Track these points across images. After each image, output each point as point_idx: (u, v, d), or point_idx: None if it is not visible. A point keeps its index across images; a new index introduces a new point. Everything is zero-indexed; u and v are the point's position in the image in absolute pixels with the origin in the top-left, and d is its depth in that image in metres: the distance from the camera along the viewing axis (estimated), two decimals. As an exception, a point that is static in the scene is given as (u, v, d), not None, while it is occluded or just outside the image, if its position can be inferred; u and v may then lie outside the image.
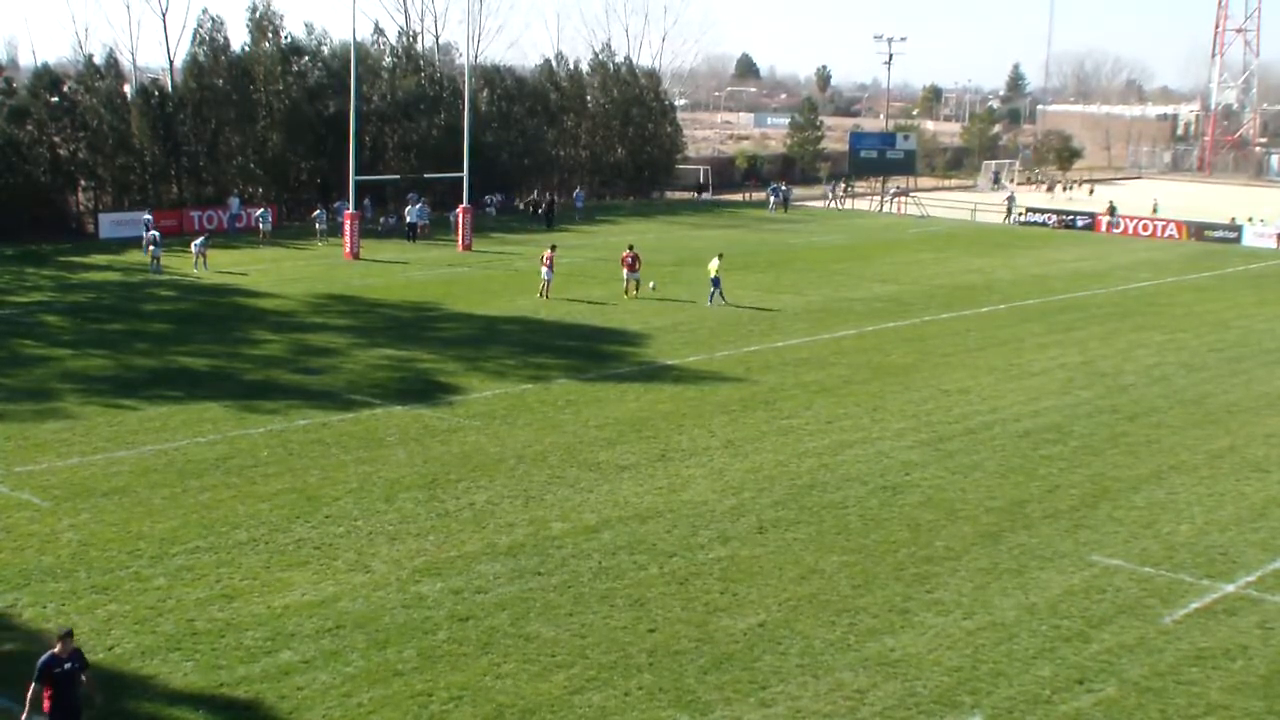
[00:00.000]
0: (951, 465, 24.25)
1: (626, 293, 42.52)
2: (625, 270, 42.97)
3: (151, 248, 46.52)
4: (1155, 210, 76.32)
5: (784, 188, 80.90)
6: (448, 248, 55.04)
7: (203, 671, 15.12)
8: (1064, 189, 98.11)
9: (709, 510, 21.32)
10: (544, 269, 42.18)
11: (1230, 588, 18.59)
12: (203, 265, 46.61)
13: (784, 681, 15.29)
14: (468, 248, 54.49)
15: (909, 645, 16.35)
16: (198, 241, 47.70)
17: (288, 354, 32.99)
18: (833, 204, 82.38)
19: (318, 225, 56.41)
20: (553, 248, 43.81)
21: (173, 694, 14.58)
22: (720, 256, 42.35)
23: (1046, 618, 17.34)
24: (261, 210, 57.54)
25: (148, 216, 54.07)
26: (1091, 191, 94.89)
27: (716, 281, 41.23)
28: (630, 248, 44.15)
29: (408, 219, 58.00)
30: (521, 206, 70.24)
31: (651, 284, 42.90)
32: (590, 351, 34.10)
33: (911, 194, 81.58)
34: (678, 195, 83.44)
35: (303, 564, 18.48)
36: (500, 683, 15.08)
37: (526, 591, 17.71)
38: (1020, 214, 74.24)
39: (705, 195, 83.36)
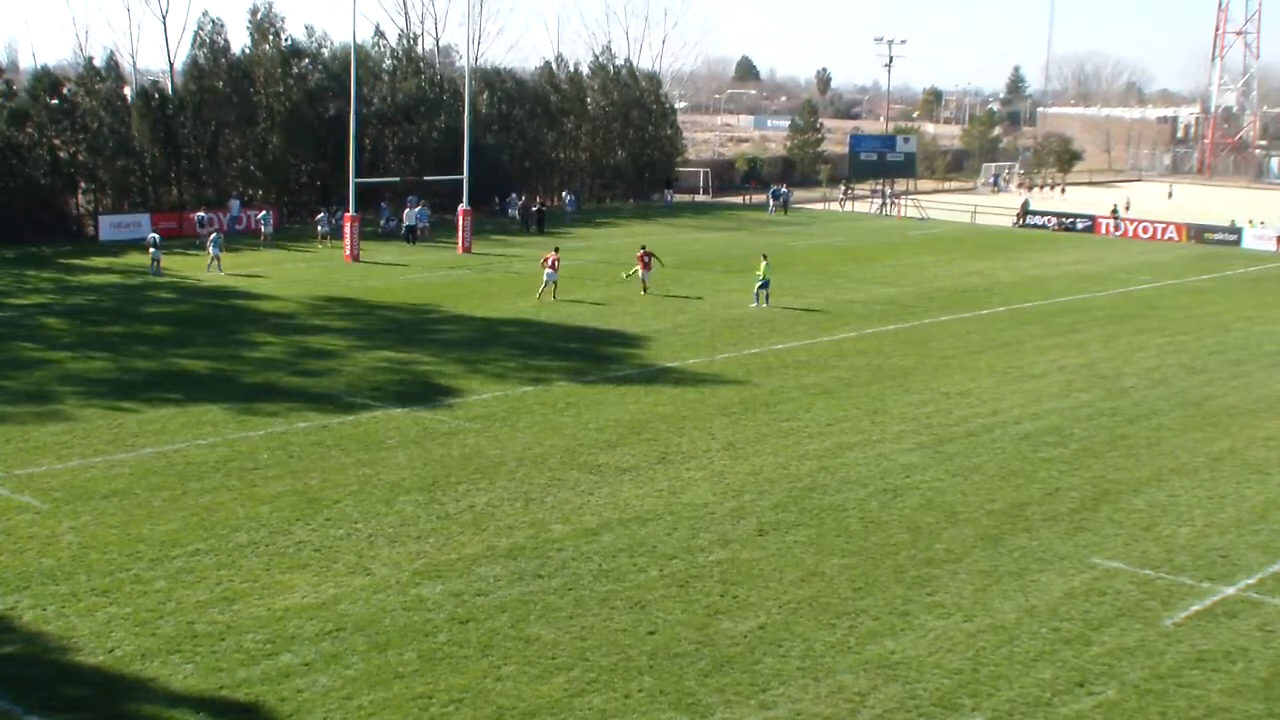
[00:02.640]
0: (952, 468, 24.25)
1: (644, 290, 43.24)
2: (640, 269, 43.40)
3: (152, 250, 46.45)
4: (1128, 207, 78.38)
5: (784, 190, 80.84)
6: (448, 250, 55.06)
7: (203, 674, 15.11)
8: (1040, 189, 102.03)
9: (709, 513, 21.31)
10: (546, 270, 42.24)
11: (1230, 590, 18.58)
12: (216, 267, 46.37)
13: (784, 684, 15.29)
14: (467, 250, 54.52)
15: (909, 648, 16.35)
16: (213, 238, 47.32)
17: (288, 356, 32.98)
18: (886, 209, 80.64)
19: (319, 228, 56.44)
20: (555, 250, 43.89)
21: (173, 696, 14.57)
22: (765, 258, 42.44)
23: (1047, 620, 17.34)
24: (263, 213, 57.55)
25: (202, 214, 54.49)
26: (1063, 191, 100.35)
27: (766, 283, 41.40)
28: (643, 247, 44.91)
29: (407, 222, 58.07)
30: (510, 213, 69.77)
31: (625, 274, 43.42)
32: (590, 354, 34.11)
33: (910, 196, 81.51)
34: (680, 197, 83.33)
35: (303, 566, 18.48)
36: (500, 685, 15.07)
37: (527, 594, 17.70)
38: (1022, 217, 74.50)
39: (670, 197, 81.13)
